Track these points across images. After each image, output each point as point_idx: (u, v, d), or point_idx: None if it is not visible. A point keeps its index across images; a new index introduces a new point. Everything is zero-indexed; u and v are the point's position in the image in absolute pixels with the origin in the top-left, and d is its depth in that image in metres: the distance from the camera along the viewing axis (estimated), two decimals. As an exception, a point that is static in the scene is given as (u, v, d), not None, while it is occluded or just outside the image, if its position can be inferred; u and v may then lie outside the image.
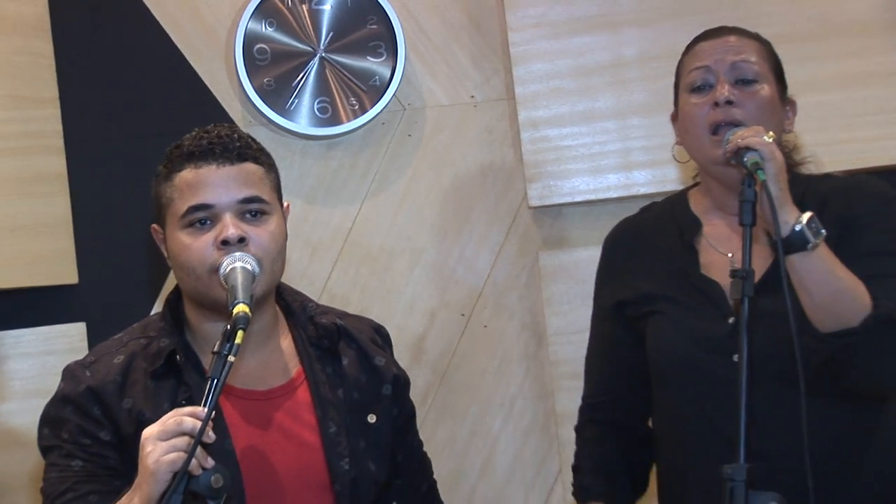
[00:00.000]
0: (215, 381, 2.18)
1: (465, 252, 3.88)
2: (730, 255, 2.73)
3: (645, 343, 2.78)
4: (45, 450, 2.49)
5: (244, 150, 2.52)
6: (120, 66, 3.87)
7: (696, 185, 2.92)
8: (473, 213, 3.87)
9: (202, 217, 2.45)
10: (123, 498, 2.27)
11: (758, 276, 2.50)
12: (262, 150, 2.58)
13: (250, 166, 2.50)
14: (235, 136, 2.55)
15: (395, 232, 3.88)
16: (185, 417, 2.18)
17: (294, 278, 3.72)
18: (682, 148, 2.86)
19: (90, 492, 2.41)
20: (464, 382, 3.97)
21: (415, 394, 3.81)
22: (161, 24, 3.85)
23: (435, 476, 2.99)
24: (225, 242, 2.39)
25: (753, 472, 2.23)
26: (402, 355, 3.84)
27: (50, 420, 2.50)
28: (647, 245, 2.83)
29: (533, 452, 3.70)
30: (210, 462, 2.18)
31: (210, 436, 2.18)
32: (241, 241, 2.40)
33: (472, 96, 3.84)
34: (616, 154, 3.73)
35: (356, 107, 3.75)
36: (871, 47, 3.69)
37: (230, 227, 2.41)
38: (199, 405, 2.34)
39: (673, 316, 2.73)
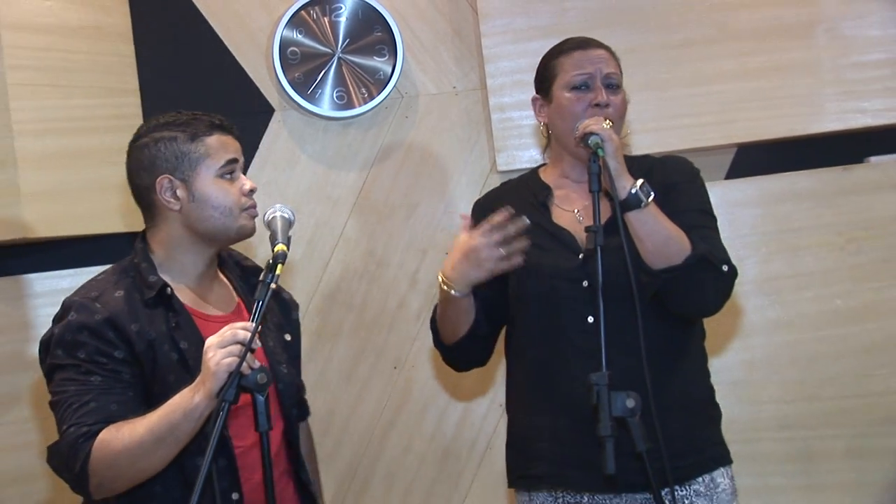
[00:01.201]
0: (261, 302, 2.32)
1: (448, 206, 4.02)
2: (575, 210, 2.94)
3: (506, 282, 2.90)
4: (56, 367, 2.53)
5: (234, 128, 2.68)
6: (185, 64, 4.00)
7: (542, 165, 3.11)
8: (454, 176, 4.02)
9: (234, 168, 2.62)
10: (186, 392, 2.38)
11: (609, 219, 2.73)
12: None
13: (239, 142, 2.68)
14: (221, 117, 2.71)
15: (396, 190, 4.01)
16: (239, 330, 2.30)
17: (319, 226, 4.01)
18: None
19: (110, 401, 2.47)
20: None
21: (409, 315, 4.07)
22: (217, 32, 4.00)
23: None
24: (251, 192, 2.61)
25: (612, 377, 2.42)
26: (400, 284, 4.03)
27: (64, 343, 2.52)
28: (496, 211, 2.92)
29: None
30: (256, 364, 2.30)
31: (257, 343, 2.30)
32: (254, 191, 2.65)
33: (454, 87, 4.00)
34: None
35: (366, 95, 3.92)
36: (758, 49, 3.78)
37: (251, 183, 2.64)
38: (186, 333, 2.57)
39: (533, 255, 2.83)
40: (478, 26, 3.88)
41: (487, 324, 2.93)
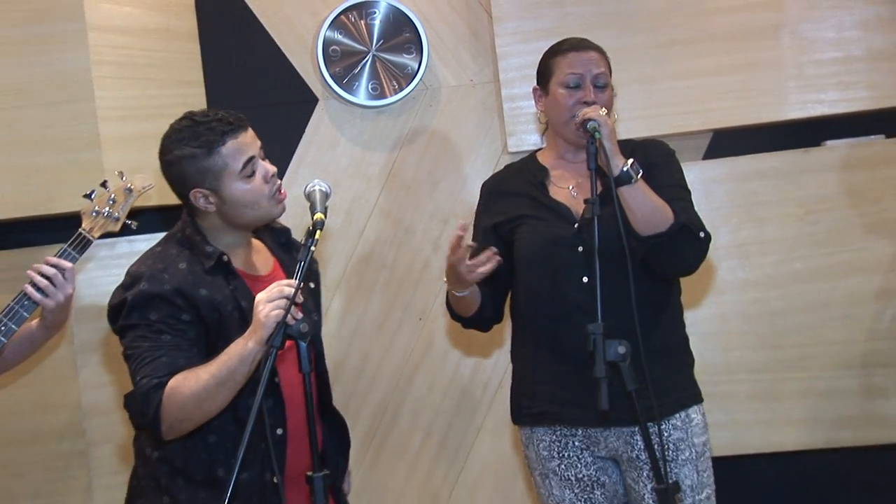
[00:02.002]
0: (302, 262, 2.37)
1: (466, 181, 4.05)
2: (570, 187, 3.00)
3: (511, 252, 2.97)
4: (129, 327, 2.57)
5: (242, 121, 2.65)
6: (242, 60, 4.04)
7: (539, 149, 3.17)
8: (471, 156, 4.05)
9: (253, 164, 2.61)
10: (240, 340, 2.44)
11: (601, 194, 2.77)
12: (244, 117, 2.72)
13: (250, 130, 2.66)
14: (226, 113, 2.66)
15: (421, 168, 4.06)
16: (284, 287, 2.37)
17: (355, 199, 4.05)
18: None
19: (178, 357, 2.53)
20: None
21: (433, 275, 4.06)
22: (269, 33, 4.03)
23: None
24: (273, 176, 2.62)
25: (609, 327, 2.46)
26: (424, 248, 4.04)
27: (137, 308, 2.57)
28: (511, 186, 3.06)
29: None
30: (299, 315, 2.35)
31: (300, 297, 2.36)
32: (275, 174, 2.65)
33: (471, 80, 4.06)
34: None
35: (396, 87, 3.98)
36: (732, 48, 3.81)
37: (270, 167, 2.64)
38: (242, 289, 2.63)
39: (534, 225, 2.96)
40: (492, 28, 3.92)
41: (493, 302, 3.01)
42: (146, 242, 3.33)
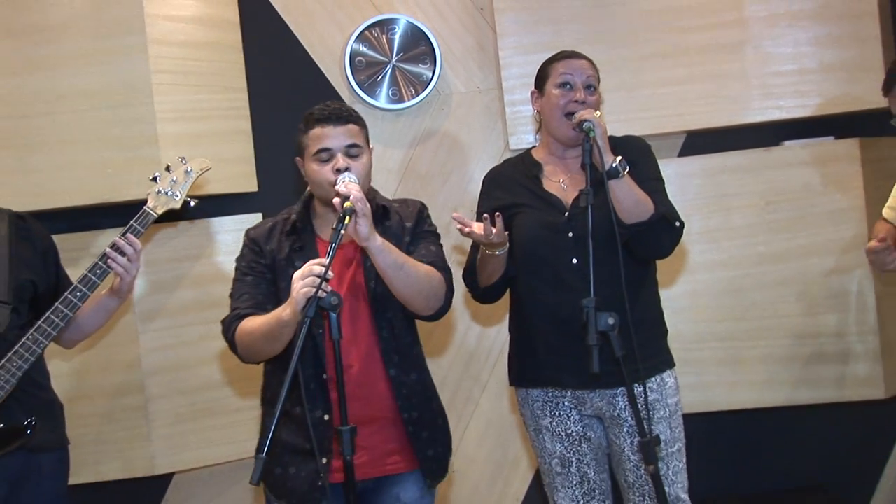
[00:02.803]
0: (334, 244, 2.43)
1: (472, 175, 4.07)
2: (560, 181, 3.04)
3: (511, 234, 2.95)
4: (235, 271, 2.86)
5: (348, 116, 2.76)
6: (280, 69, 4.06)
7: (532, 147, 3.19)
8: (477, 153, 4.09)
9: (325, 155, 2.71)
10: (280, 308, 2.57)
11: (579, 194, 2.85)
12: (358, 115, 2.80)
13: (352, 126, 2.75)
14: (342, 108, 2.79)
15: (434, 163, 4.09)
16: (315, 266, 2.45)
17: (378, 189, 3.74)
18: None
19: (258, 293, 2.75)
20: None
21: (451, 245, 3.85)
22: (304, 46, 4.06)
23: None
24: (337, 170, 2.68)
25: (599, 302, 2.51)
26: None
27: (237, 258, 2.87)
28: (509, 179, 3.08)
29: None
30: (329, 289, 2.42)
31: (330, 274, 2.43)
32: (347, 169, 2.68)
33: (478, 87, 4.09)
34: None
35: (412, 93, 4.02)
36: (703, 60, 3.83)
37: (341, 161, 2.69)
38: (307, 253, 2.74)
39: (530, 214, 2.98)
40: (496, 42, 3.96)
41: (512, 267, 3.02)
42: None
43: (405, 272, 2.64)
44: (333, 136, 2.72)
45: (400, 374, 2.75)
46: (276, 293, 2.74)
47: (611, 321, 2.47)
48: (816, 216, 3.85)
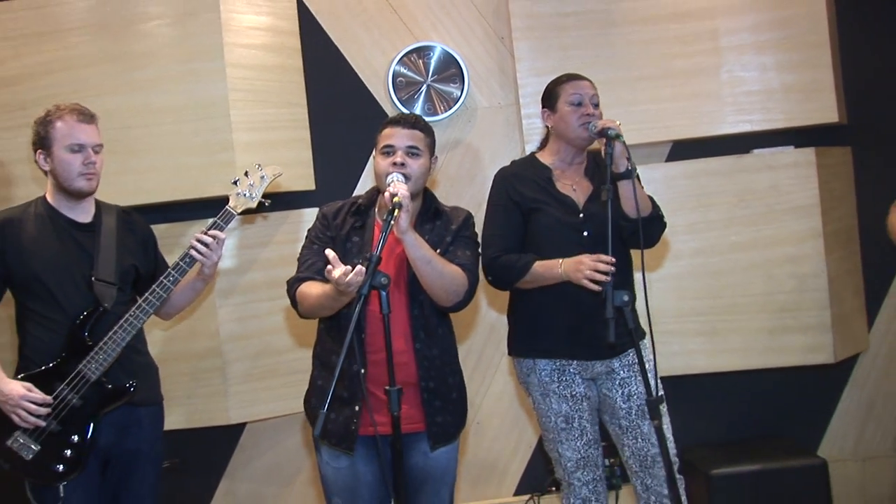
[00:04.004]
0: (385, 233, 2.43)
1: (491, 176, 3.47)
2: (571, 185, 3.01)
3: (526, 225, 2.95)
4: (305, 239, 2.86)
5: (415, 122, 2.79)
6: (334, 87, 4.02)
7: (535, 152, 3.14)
8: (498, 158, 3.99)
9: (388, 150, 2.74)
10: (329, 286, 2.54)
11: (593, 192, 2.92)
12: (426, 125, 2.80)
13: (417, 132, 2.77)
14: (413, 116, 2.83)
15: (462, 166, 4.11)
16: (354, 276, 2.42)
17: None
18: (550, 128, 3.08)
19: (318, 260, 2.71)
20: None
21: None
22: (354, 68, 4.05)
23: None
24: (394, 164, 2.70)
25: (613, 283, 2.54)
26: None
27: (310, 226, 2.88)
28: (526, 177, 3.02)
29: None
30: (378, 272, 2.40)
31: (379, 259, 2.39)
32: (403, 164, 2.71)
33: (499, 103, 4.10)
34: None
35: (444, 108, 4.04)
36: (686, 82, 3.83)
37: (399, 156, 2.72)
38: (365, 231, 2.75)
39: (547, 212, 2.96)
40: (514, 66, 3.96)
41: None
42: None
43: (432, 266, 2.64)
44: (399, 136, 2.75)
45: (424, 349, 2.75)
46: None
47: (626, 298, 2.50)
48: (780, 212, 3.86)
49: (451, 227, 2.84)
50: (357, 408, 2.68)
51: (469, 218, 2.91)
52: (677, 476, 2.94)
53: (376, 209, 2.84)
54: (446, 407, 2.80)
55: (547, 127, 3.13)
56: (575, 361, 3.01)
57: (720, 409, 4.05)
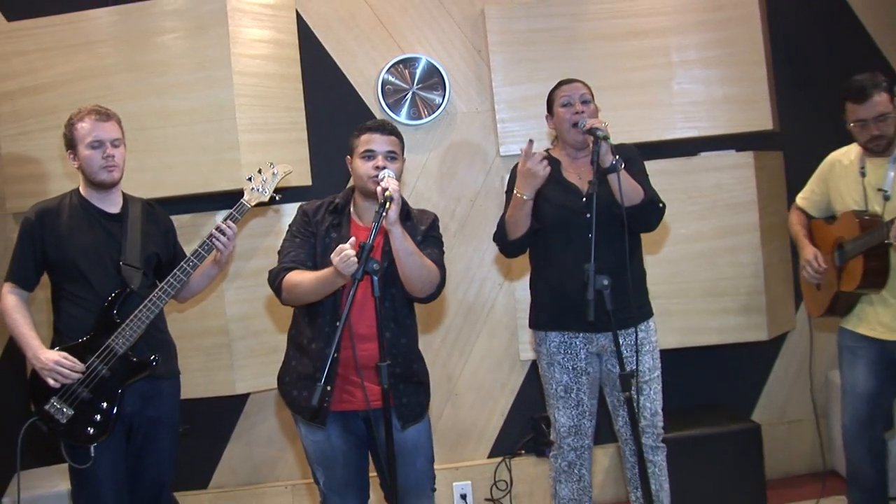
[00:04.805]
0: (376, 223, 2.43)
1: (471, 174, 4.10)
2: (577, 174, 3.05)
3: (537, 208, 2.94)
4: (286, 233, 2.84)
5: (392, 130, 2.75)
6: (329, 94, 3.97)
7: (548, 149, 3.17)
8: (476, 158, 4.11)
9: (369, 155, 2.70)
10: (325, 270, 2.55)
11: (590, 184, 2.79)
12: (399, 132, 2.79)
13: (393, 138, 2.75)
14: (388, 123, 2.78)
15: (443, 165, 4.11)
16: (349, 252, 2.44)
17: (402, 185, 3.51)
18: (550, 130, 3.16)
19: (301, 252, 2.72)
20: (471, 239, 4.07)
21: (450, 233, 3.88)
22: (347, 77, 4.01)
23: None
24: (377, 167, 2.68)
25: (598, 267, 2.47)
26: (444, 217, 3.80)
27: (290, 224, 2.84)
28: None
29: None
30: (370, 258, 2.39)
31: (371, 247, 2.40)
32: (384, 168, 2.66)
33: (477, 109, 4.12)
34: (544, 133, 3.73)
35: (428, 112, 4.05)
36: (642, 92, 3.85)
37: (381, 160, 2.69)
38: (341, 229, 2.69)
39: (552, 197, 2.99)
40: (490, 76, 3.99)
41: (535, 226, 2.96)
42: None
43: (413, 259, 2.61)
44: (378, 142, 2.72)
45: (393, 338, 2.74)
46: (315, 254, 2.74)
47: (605, 282, 2.46)
48: (723, 207, 3.90)
49: (419, 227, 2.82)
50: (329, 388, 2.68)
51: (436, 220, 2.90)
52: (660, 444, 3.06)
53: (351, 208, 2.82)
54: (409, 391, 2.79)
55: (552, 128, 3.19)
56: (581, 335, 3.02)
57: (670, 382, 3.60)
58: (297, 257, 2.72)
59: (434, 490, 2.91)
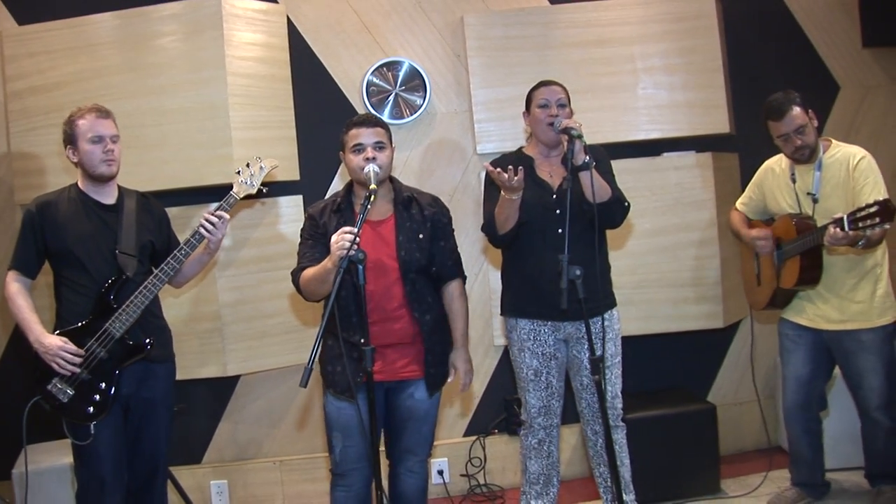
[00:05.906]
0: (362, 215, 2.47)
1: (451, 171, 4.08)
2: (549, 172, 3.04)
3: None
4: (300, 237, 2.88)
5: (376, 121, 2.78)
6: (317, 94, 3.99)
7: (521, 147, 3.16)
8: (454, 156, 4.08)
9: (359, 148, 2.73)
10: (325, 261, 2.60)
11: (563, 181, 2.90)
12: (384, 122, 2.82)
13: (379, 129, 2.77)
14: (373, 116, 2.82)
15: (424, 162, 4.08)
16: (345, 234, 2.49)
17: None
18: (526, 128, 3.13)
19: (315, 252, 2.74)
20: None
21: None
22: (334, 79, 3.97)
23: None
24: (367, 159, 2.70)
25: (572, 258, 2.47)
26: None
27: (302, 228, 2.88)
28: (513, 166, 2.83)
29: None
30: (356, 248, 2.43)
31: (358, 240, 2.44)
32: (374, 158, 2.71)
33: (455, 110, 4.09)
34: (519, 133, 3.81)
35: (409, 112, 4.02)
36: (609, 97, 3.83)
37: (370, 152, 2.72)
38: (349, 225, 2.64)
39: (525, 193, 2.90)
40: (468, 79, 3.98)
41: (524, 218, 2.93)
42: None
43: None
44: (365, 135, 2.74)
45: (421, 315, 2.80)
46: (328, 253, 2.70)
47: (577, 272, 2.47)
48: (684, 204, 3.93)
49: (424, 213, 2.84)
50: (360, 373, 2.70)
51: (447, 211, 2.94)
52: (620, 423, 3.09)
53: (353, 199, 2.84)
54: (438, 360, 2.86)
55: (527, 125, 3.17)
56: (549, 322, 3.02)
57: (632, 366, 3.73)
58: (313, 256, 2.74)
59: (430, 456, 2.97)
